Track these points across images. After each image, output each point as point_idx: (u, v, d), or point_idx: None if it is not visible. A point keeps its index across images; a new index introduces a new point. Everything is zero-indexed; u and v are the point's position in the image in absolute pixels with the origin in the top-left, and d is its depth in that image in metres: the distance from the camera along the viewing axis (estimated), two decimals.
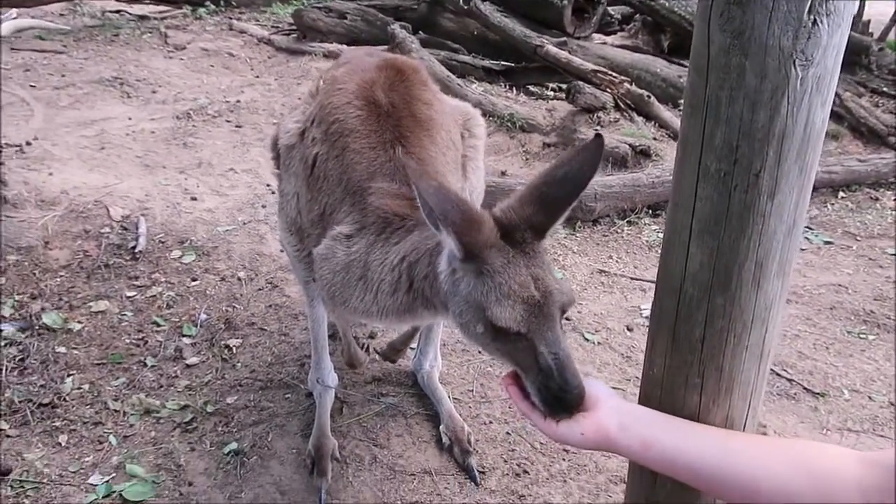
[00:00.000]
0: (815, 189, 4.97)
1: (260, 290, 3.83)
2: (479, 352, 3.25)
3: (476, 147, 2.71)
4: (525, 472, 2.74)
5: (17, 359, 3.15)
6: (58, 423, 2.84)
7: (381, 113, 2.27)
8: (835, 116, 6.66)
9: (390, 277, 2.00)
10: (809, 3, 1.17)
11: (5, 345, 3.21)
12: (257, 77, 7.76)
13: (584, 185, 1.66)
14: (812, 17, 1.19)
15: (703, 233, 1.37)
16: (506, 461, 2.79)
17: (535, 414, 1.50)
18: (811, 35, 1.20)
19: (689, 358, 1.46)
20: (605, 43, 8.54)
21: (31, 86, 6.75)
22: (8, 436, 2.77)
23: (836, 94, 6.71)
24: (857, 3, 1.29)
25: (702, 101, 1.30)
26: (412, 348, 3.14)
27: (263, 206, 4.74)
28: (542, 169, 1.78)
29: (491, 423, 2.98)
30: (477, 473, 2.71)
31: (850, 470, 1.23)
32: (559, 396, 1.48)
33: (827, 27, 1.20)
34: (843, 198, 5.35)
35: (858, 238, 4.78)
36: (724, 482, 1.35)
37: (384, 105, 2.28)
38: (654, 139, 5.84)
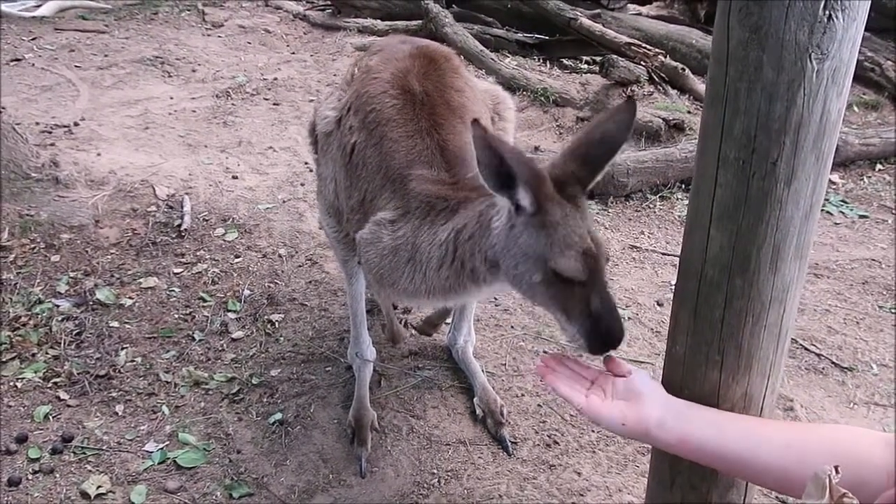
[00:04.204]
0: (851, 162, 4.91)
1: (300, 266, 3.96)
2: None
3: (506, 129, 2.77)
4: (556, 442, 2.84)
5: (73, 333, 3.32)
6: (114, 394, 3.01)
7: (415, 101, 2.33)
8: (875, 86, 6.53)
9: (438, 253, 2.09)
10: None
11: (62, 320, 3.39)
12: (293, 54, 7.86)
13: (621, 144, 1.79)
14: (827, 12, 1.23)
15: (722, 218, 1.43)
16: (537, 432, 2.89)
17: (577, 397, 1.56)
18: (826, 30, 1.24)
19: (710, 336, 1.53)
20: (639, 14, 8.47)
21: (77, 66, 6.94)
22: (69, 406, 2.95)
23: (877, 63, 6.63)
24: None
25: (721, 92, 1.36)
26: (447, 323, 3.24)
27: (302, 184, 4.86)
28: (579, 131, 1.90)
29: (523, 395, 3.08)
30: (509, 444, 2.81)
31: (878, 453, 1.26)
32: (605, 338, 1.66)
33: (842, 22, 1.24)
34: (880, 170, 5.26)
35: (895, 211, 4.73)
36: (756, 472, 1.42)
37: (418, 94, 2.35)
38: (689, 112, 5.79)
